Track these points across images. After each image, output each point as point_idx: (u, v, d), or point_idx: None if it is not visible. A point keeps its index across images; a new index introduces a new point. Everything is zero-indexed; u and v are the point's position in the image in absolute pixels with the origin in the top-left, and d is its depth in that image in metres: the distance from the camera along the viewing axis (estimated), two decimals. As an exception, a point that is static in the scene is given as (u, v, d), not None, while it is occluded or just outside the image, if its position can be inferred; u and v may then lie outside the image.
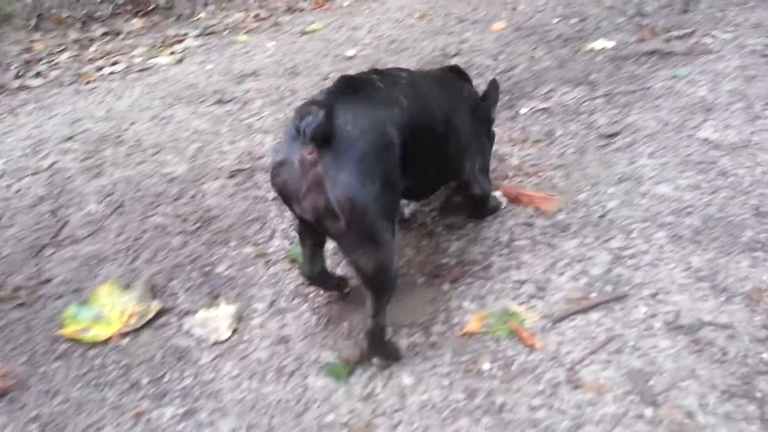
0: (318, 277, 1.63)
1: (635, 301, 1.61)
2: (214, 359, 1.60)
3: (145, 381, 1.57)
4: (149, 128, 2.92)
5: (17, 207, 2.37)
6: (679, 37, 3.18)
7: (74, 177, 2.55)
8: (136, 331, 1.71)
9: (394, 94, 1.45)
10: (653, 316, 1.56)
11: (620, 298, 1.62)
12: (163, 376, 1.57)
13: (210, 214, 2.19)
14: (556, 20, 3.60)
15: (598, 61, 3.04)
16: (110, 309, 1.77)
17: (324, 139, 1.27)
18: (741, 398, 1.31)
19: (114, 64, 4.15)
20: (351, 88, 1.41)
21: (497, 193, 2.04)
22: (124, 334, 1.70)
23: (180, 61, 3.98)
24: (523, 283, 1.73)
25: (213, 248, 2.02)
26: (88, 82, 3.82)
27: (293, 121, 1.30)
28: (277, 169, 1.37)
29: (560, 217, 1.98)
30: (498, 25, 3.62)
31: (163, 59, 4.07)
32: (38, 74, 4.05)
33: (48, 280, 1.93)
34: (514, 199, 2.07)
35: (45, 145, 2.90)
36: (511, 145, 2.40)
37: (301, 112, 1.28)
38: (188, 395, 1.52)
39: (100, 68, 4.09)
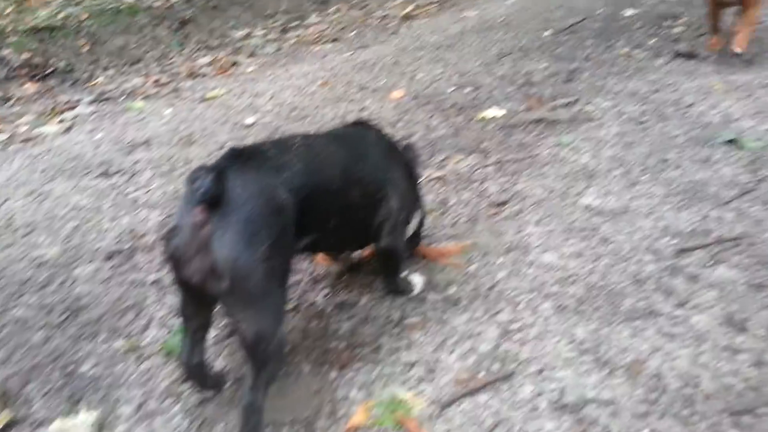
0: (196, 368, 1.52)
1: (522, 378, 1.58)
2: (68, 476, 1.43)
3: None
4: (24, 206, 2.71)
5: None
6: (564, 105, 3.34)
7: (-71, 264, 2.30)
8: (-21, 447, 1.51)
9: (285, 158, 1.49)
10: (539, 394, 1.53)
11: (507, 377, 1.59)
12: (5, 501, 1.38)
13: (79, 303, 2.01)
14: (451, 89, 3.71)
15: (489, 129, 3.13)
16: (-51, 422, 1.56)
17: (213, 200, 1.30)
18: (623, 482, 1.29)
19: (-5, 133, 3.89)
20: (243, 155, 1.44)
21: (417, 278, 1.98)
22: (-36, 453, 1.49)
23: (68, 129, 3.79)
24: (413, 365, 1.66)
25: (79, 343, 1.84)
26: (-37, 155, 3.54)
27: (186, 186, 1.34)
28: (170, 234, 1.38)
29: (451, 290, 1.95)
30: (397, 94, 3.68)
31: (51, 128, 3.86)
32: None
33: None
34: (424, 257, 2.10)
35: None
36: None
37: (192, 177, 1.32)
38: None
39: (-23, 139, 3.82)
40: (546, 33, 4.66)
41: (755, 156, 2.59)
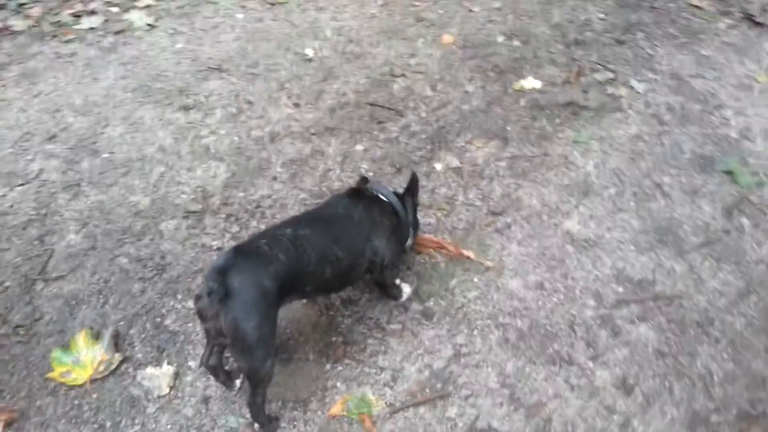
0: (210, 367, 2.26)
1: (453, 399, 2.28)
2: (156, 411, 2.30)
3: (108, 424, 2.27)
4: (121, 136, 3.35)
5: (12, 227, 2.91)
6: (600, 83, 3.52)
7: (57, 194, 3.06)
8: (103, 378, 2.39)
9: (274, 252, 2.09)
10: (461, 416, 2.24)
11: (443, 396, 2.29)
12: (120, 421, 2.27)
13: (165, 260, 2.76)
14: (501, 38, 3.85)
15: (519, 107, 3.41)
16: (85, 356, 2.43)
17: (221, 297, 1.96)
18: (487, 497, 2.05)
19: (92, 13, 4.37)
20: (242, 254, 2.07)
21: (406, 286, 2.59)
22: (94, 380, 2.38)
23: (154, 24, 4.22)
24: (383, 369, 2.38)
25: (164, 299, 2.63)
26: (67, 41, 4.10)
27: (204, 281, 2.02)
28: (197, 299, 2.09)
29: (430, 303, 2.58)
30: (447, 38, 3.87)
31: (137, 16, 4.29)
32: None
33: (40, 318, 2.56)
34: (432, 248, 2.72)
35: (31, 142, 3.35)
36: (418, 210, 2.90)
37: (209, 281, 1.97)
38: (137, 441, 2.23)
39: (77, 16, 4.33)
40: (627, -43, 4.44)
41: (740, 196, 2.89)
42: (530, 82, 3.53)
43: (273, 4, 4.33)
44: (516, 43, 3.81)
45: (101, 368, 2.40)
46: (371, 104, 3.48)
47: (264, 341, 2.05)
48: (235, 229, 2.88)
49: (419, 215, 2.73)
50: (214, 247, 2.81)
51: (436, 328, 2.50)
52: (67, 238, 2.87)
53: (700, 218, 2.82)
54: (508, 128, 3.30)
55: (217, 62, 3.83)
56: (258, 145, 3.29)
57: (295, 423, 2.25)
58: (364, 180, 2.49)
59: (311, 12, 4.21)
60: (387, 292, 2.57)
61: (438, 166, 3.12)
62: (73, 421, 2.28)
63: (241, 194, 3.04)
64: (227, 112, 3.49)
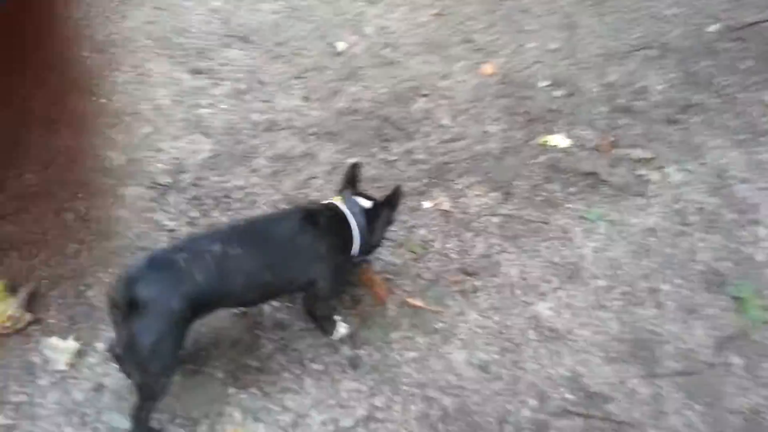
0: (116, 355, 2.08)
1: (344, 468, 2.08)
2: (47, 385, 2.17)
3: (-5, 384, 2.16)
4: (124, 84, 3.25)
5: None
6: (633, 161, 3.19)
7: (34, 126, 2.96)
8: (7, 335, 2.28)
9: (191, 271, 1.93)
10: (347, 488, 2.04)
11: (335, 461, 2.09)
12: (8, 385, 2.16)
13: (112, 228, 2.63)
14: (545, 83, 3.55)
15: (536, 164, 3.12)
16: (-4, 306, 2.33)
17: (124, 307, 1.84)
18: None
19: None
20: (154, 267, 1.93)
21: (343, 326, 2.38)
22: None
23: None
24: (287, 411, 2.19)
25: (95, 268, 2.49)
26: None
27: (115, 287, 1.89)
28: (107, 297, 1.97)
29: (363, 351, 2.37)
30: (488, 68, 3.59)
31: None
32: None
33: (-34, 253, 2.47)
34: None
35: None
36: (388, 246, 2.68)
37: (114, 293, 1.87)
38: (17, 410, 2.10)
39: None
40: (712, 27, 4.04)
41: (741, 330, 2.55)
42: (557, 139, 3.23)
43: (324, -15, 4.12)
44: (558, 92, 3.50)
45: (8, 323, 2.30)
46: (383, 118, 3.25)
47: (160, 359, 1.91)
48: (194, 214, 2.73)
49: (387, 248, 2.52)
50: (167, 228, 2.66)
51: (359, 381, 2.29)
52: (25, 176, 2.77)
53: (687, 342, 2.50)
54: (515, 183, 3.03)
55: (245, 31, 3.67)
56: (253, 130, 3.11)
57: (176, 442, 2.09)
58: (355, 167, 2.37)
59: (360, 3, 3.99)
60: (318, 323, 2.37)
61: (426, 204, 2.89)
62: (-39, 370, 2.17)
63: (215, 178, 2.87)
64: (235, 87, 3.33)
